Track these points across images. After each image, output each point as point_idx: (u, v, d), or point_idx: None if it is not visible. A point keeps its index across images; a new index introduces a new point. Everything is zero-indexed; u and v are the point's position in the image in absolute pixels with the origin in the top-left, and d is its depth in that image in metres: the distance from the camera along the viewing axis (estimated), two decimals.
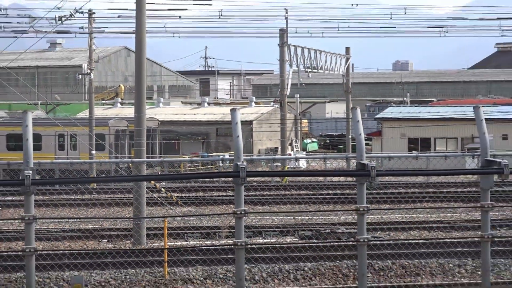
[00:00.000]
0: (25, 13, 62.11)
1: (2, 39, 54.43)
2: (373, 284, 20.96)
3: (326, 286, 21.57)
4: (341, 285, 21.58)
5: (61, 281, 22.18)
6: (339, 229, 30.06)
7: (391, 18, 69.39)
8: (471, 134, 58.07)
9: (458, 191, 41.45)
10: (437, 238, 27.93)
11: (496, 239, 22.85)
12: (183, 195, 40.50)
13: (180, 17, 60.27)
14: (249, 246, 21.65)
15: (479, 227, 15.06)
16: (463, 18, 72.84)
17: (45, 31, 52.79)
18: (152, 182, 37.83)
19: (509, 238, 26.73)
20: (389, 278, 22.76)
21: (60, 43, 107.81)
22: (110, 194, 41.20)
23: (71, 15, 43.24)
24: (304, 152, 69.56)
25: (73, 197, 39.80)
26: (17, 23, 59.62)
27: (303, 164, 57.65)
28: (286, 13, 62.45)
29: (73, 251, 25.10)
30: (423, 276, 23.00)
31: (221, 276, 22.82)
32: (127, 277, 22.76)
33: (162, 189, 39.55)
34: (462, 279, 22.45)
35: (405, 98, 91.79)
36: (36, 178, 13.51)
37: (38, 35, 51.65)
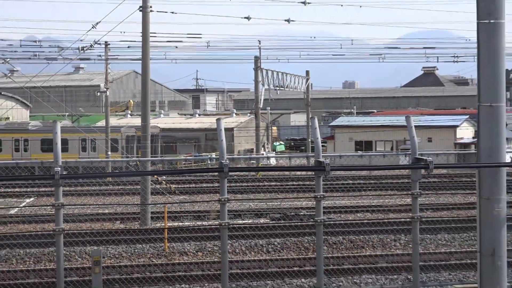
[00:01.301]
0: (55, 44, 61.86)
1: (37, 64, 54.21)
2: (328, 255, 20.96)
3: (291, 256, 21.56)
4: (303, 256, 21.57)
5: (83, 254, 22.10)
6: (301, 212, 30.07)
7: (341, 48, 69.69)
8: (404, 137, 58.21)
9: (393, 182, 41.54)
10: (378, 218, 27.99)
11: (423, 219, 22.92)
12: (179, 186, 40.41)
13: (176, 47, 60.23)
14: (231, 226, 21.58)
15: (410, 210, 15.08)
16: (397, 48, 73.14)
17: (71, 58, 52.68)
18: (155, 176, 37.73)
19: (433, 219, 26.83)
20: (340, 250, 22.78)
21: (83, 67, 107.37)
22: (122, 186, 41.08)
23: (91, 45, 43.01)
24: (274, 152, 69.50)
25: (93, 188, 39.68)
26: (49, 52, 59.42)
27: (273, 162, 57.59)
28: (260, 44, 62.50)
29: (93, 231, 25.01)
30: (367, 248, 23.04)
31: (209, 249, 22.78)
32: (136, 250, 22.70)
33: (163, 181, 39.45)
34: (397, 250, 22.51)
35: (352, 110, 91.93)
36: (64, 173, 13.44)
37: (65, 61, 51.49)
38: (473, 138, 57.84)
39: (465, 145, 59.33)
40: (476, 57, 13.48)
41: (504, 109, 13.48)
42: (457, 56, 66.99)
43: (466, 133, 62.87)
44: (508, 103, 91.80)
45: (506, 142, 13.84)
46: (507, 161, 14.10)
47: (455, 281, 18.68)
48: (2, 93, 74.88)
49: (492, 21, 13.19)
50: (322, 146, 16.28)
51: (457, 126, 62.42)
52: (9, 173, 38.14)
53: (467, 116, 65.16)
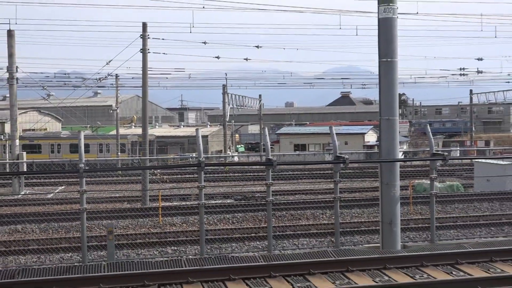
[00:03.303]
0: (80, 76, 61.15)
1: (66, 90, 53.54)
2: (275, 225, 21.02)
3: (249, 226, 21.56)
4: (257, 226, 21.59)
5: (101, 226, 21.87)
6: (256, 194, 30.11)
7: (283, 78, 70.04)
8: (328, 141, 58.59)
9: (321, 172, 41.76)
10: (310, 198, 28.13)
11: (342, 199, 23.09)
12: (169, 176, 40.18)
13: (167, 77, 59.73)
14: (206, 205, 21.50)
15: (333, 192, 15.19)
16: (323, 78, 73.66)
17: (91, 86, 51.96)
18: (152, 170, 37.45)
19: (349, 198, 27.04)
20: (284, 221, 22.84)
21: (100, 93, 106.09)
22: (128, 177, 40.75)
23: (105, 77, 42.64)
24: (237, 152, 69.41)
25: (107, 178, 39.27)
26: (75, 81, 58.64)
27: (236, 159, 57.52)
28: (226, 75, 62.56)
29: (107, 209, 24.77)
30: (302, 219, 23.14)
31: (191, 221, 22.69)
32: (138, 223, 22.52)
33: (158, 173, 39.17)
34: (324, 221, 22.63)
35: (292, 122, 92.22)
36: (86, 168, 13.27)
37: (87, 88, 50.93)
38: (376, 142, 58.44)
39: (371, 147, 59.98)
40: (378, 85, 13.67)
41: (397, 122, 13.70)
42: (364, 84, 67.55)
43: (371, 138, 63.52)
44: (400, 117, 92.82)
45: (398, 144, 14.04)
46: (399, 158, 14.28)
47: (364, 242, 18.85)
48: (41, 111, 73.98)
49: (388, 59, 13.39)
50: (271, 147, 16.30)
51: (365, 133, 63.07)
52: (47, 168, 37.58)
53: (372, 126, 65.88)
